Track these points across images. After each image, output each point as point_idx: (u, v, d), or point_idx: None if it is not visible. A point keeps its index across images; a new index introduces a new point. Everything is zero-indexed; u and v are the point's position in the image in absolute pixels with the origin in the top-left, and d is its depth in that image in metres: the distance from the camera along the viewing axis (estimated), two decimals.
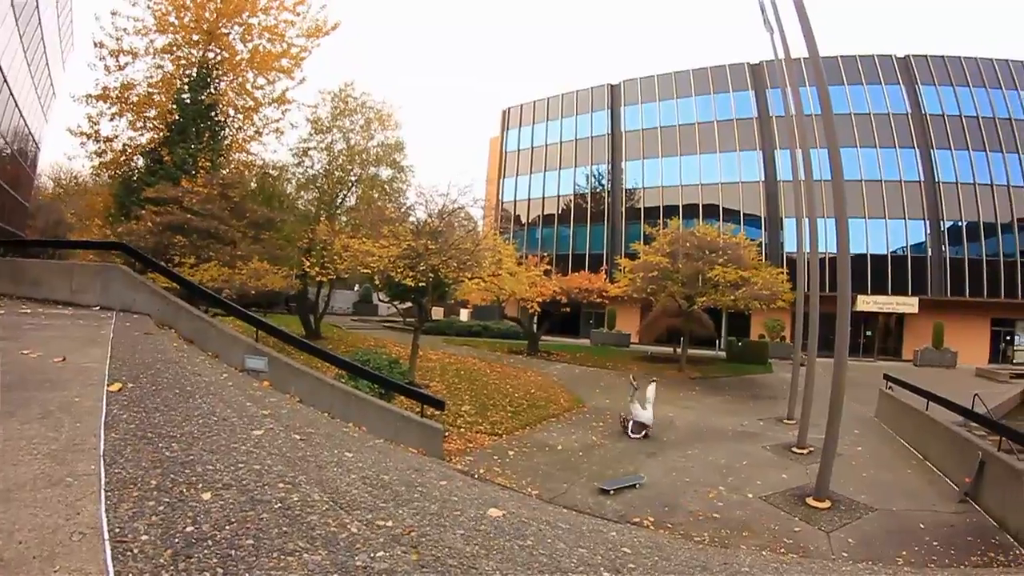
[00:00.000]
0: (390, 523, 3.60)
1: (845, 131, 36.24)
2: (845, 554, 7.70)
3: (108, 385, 4.89)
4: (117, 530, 2.77)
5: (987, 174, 35.97)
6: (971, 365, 31.52)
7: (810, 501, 9.46)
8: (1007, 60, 37.41)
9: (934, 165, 36.47)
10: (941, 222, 36.07)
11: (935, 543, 8.01)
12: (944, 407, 12.58)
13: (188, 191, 17.09)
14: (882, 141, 37.08)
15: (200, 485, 3.39)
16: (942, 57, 37.83)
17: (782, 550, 7.74)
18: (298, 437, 5.36)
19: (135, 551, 2.64)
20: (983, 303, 35.55)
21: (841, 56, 38.35)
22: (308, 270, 19.11)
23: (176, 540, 2.82)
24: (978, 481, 9.54)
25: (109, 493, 3.10)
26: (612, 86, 46.38)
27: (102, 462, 3.40)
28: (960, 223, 36.00)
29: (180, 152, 19.91)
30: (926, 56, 38.01)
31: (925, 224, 36.36)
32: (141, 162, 21.41)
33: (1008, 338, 37.16)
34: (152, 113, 21.10)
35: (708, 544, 7.64)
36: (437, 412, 11.21)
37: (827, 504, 9.35)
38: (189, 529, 2.94)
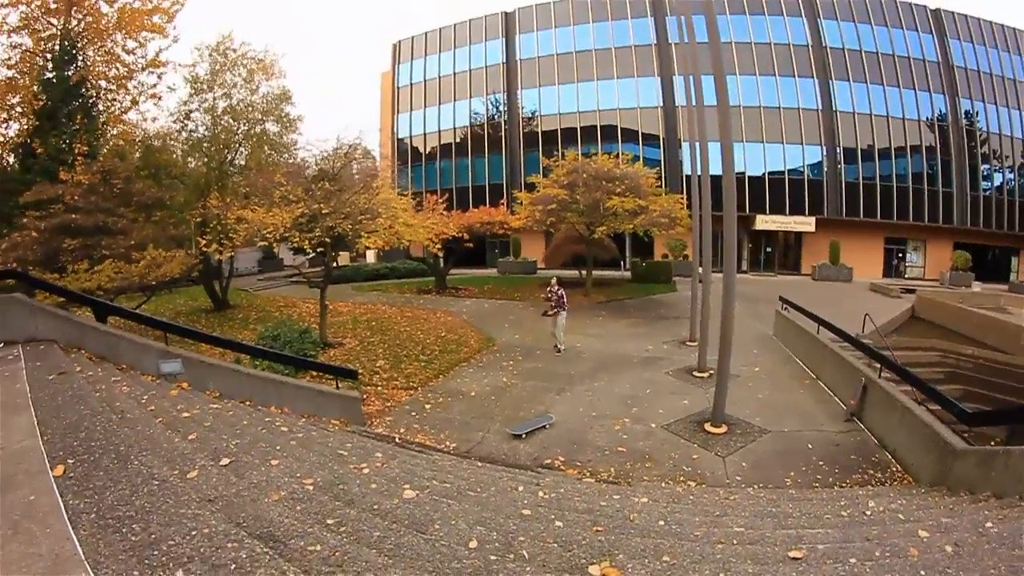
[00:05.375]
0: (318, 547, 3.70)
1: (746, 59, 37.29)
2: (739, 478, 8.11)
3: (51, 470, 4.61)
4: None
5: (883, 106, 37.92)
6: (866, 279, 34.01)
7: (708, 427, 9.86)
8: (909, 2, 39.06)
9: (832, 95, 37.87)
10: (837, 148, 37.77)
11: (821, 463, 8.53)
12: (832, 332, 13.19)
13: (68, 185, 15.59)
14: (782, 70, 37.96)
15: (171, 565, 3.39)
16: None
17: (681, 478, 8.10)
18: (226, 463, 5.31)
19: None
20: (877, 223, 38.06)
21: None
22: (205, 248, 17.83)
23: None
24: (862, 403, 10.17)
25: None
26: (507, 14, 45.02)
27: (90, 570, 3.30)
28: (856, 149, 37.87)
29: (53, 142, 17.83)
30: None
31: (822, 149, 37.98)
32: (13, 159, 19.23)
33: (900, 255, 40.22)
34: (15, 99, 18.63)
35: (611, 481, 7.88)
36: (352, 381, 11.18)
37: (723, 429, 9.76)
38: None
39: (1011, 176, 39.96)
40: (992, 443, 8.25)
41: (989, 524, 4.98)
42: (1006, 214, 39.11)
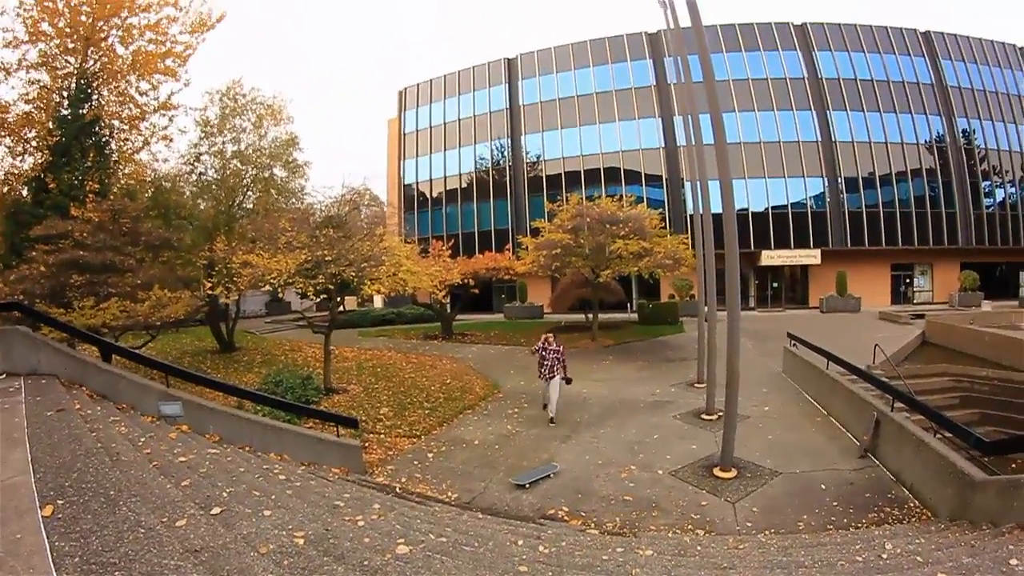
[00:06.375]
0: None
1: (744, 96, 37.75)
2: (749, 524, 7.80)
3: (41, 508, 4.58)
4: None
5: (881, 133, 38.35)
6: (875, 308, 33.96)
7: (717, 472, 9.55)
8: (901, 28, 39.80)
9: (830, 126, 38.34)
10: (839, 179, 38.00)
11: (835, 504, 8.22)
12: (841, 367, 12.95)
13: (79, 221, 15.81)
14: (780, 104, 38.47)
15: None
16: (838, 24, 39.57)
17: (689, 527, 7.78)
18: (217, 512, 5.22)
19: None
20: (882, 251, 38.19)
21: (739, 24, 39.55)
22: (211, 291, 18.01)
23: None
24: (875, 438, 9.89)
25: None
26: (509, 60, 45.93)
27: None
28: (857, 178, 38.08)
29: (66, 178, 18.13)
30: (823, 23, 39.60)
31: (823, 181, 38.21)
32: (26, 192, 19.45)
33: (907, 280, 40.26)
34: (31, 134, 19.05)
35: (616, 532, 7.61)
36: (354, 429, 11.01)
37: (733, 473, 9.46)
38: None
39: (1013, 190, 40.26)
40: (1012, 468, 7.99)
41: (1014, 561, 4.75)
42: (1010, 229, 39.23)
